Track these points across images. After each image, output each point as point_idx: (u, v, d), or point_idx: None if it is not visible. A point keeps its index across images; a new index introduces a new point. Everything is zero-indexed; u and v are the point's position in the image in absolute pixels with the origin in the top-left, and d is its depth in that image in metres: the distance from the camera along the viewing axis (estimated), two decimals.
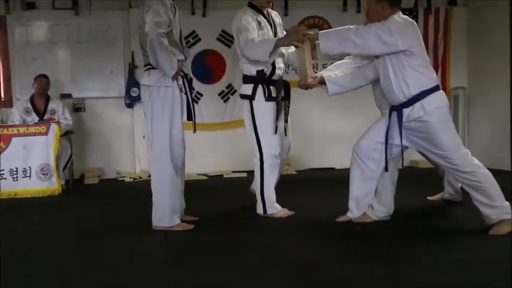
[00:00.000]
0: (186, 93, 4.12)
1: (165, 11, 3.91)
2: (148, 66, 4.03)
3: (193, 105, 4.20)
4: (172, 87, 4.00)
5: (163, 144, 4.00)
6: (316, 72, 4.34)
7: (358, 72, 4.13)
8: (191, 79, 4.26)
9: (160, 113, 3.98)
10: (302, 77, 4.15)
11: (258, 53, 4.24)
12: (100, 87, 7.47)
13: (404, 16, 3.83)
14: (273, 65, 4.39)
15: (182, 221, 4.15)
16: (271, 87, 4.41)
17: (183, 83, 4.10)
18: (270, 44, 4.21)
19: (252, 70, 4.39)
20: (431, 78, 3.77)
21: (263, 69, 4.37)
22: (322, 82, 4.13)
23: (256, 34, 4.28)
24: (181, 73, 4.08)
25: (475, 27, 7.62)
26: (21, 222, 4.69)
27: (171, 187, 4.03)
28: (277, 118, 4.42)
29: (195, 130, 4.25)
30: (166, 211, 4.02)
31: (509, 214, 3.63)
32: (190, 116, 4.19)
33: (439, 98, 3.74)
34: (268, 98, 4.39)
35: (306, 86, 4.16)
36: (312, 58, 4.20)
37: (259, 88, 4.38)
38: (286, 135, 4.58)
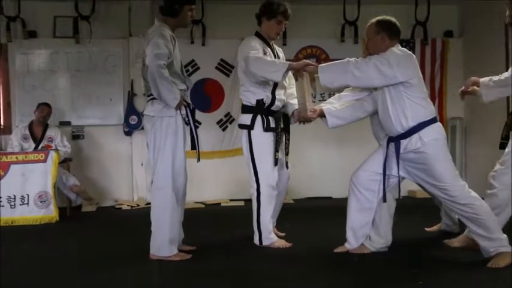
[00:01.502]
0: (189, 123, 4.15)
1: (165, 43, 3.94)
2: (151, 97, 4.06)
3: (197, 135, 4.22)
4: (176, 117, 4.03)
5: (166, 174, 4.01)
6: (314, 102, 4.39)
7: (357, 105, 4.17)
8: (194, 108, 4.30)
9: (163, 143, 4.01)
10: (301, 109, 4.20)
11: (269, 71, 4.20)
12: (99, 114, 7.49)
13: (403, 48, 3.89)
14: (273, 95, 4.43)
15: (179, 250, 4.15)
16: (270, 118, 4.43)
17: (186, 112, 4.13)
18: (283, 65, 4.18)
19: (251, 99, 4.41)
20: (429, 110, 3.81)
21: (262, 99, 4.39)
22: (321, 115, 4.17)
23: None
24: (184, 103, 4.11)
25: (472, 58, 7.69)
26: (18, 251, 4.66)
27: (171, 217, 4.03)
28: (276, 149, 4.44)
29: (199, 159, 4.27)
30: (165, 241, 4.02)
31: (507, 247, 3.64)
32: (194, 145, 4.23)
33: (437, 130, 3.78)
34: (267, 128, 4.40)
35: (305, 119, 4.20)
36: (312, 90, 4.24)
37: (258, 118, 4.39)
38: (287, 167, 4.61)
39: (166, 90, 3.91)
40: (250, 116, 4.42)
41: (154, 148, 4.04)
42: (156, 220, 4.04)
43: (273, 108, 4.45)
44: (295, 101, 4.48)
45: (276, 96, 4.45)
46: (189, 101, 4.26)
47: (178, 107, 4.01)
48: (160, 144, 4.01)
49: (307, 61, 4.21)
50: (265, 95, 4.40)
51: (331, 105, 4.20)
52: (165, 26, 4.05)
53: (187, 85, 4.25)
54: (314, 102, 4.77)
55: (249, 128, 4.41)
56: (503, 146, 4.06)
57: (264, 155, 4.39)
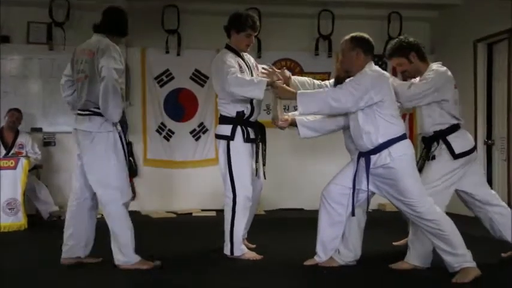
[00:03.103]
0: (121, 138, 4.15)
1: (121, 59, 4.02)
2: (87, 112, 4.07)
3: (128, 150, 4.25)
4: (113, 132, 4.06)
5: (112, 187, 4.04)
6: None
7: (330, 118, 4.22)
8: (127, 125, 4.34)
9: (105, 158, 4.02)
10: (274, 117, 4.27)
11: (249, 90, 4.22)
12: (71, 121, 7.27)
13: (375, 68, 3.94)
14: (252, 106, 4.46)
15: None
16: (249, 128, 4.46)
17: (122, 128, 4.15)
18: (262, 83, 4.22)
19: (231, 111, 4.42)
20: (400, 127, 3.87)
21: (243, 110, 4.41)
22: (293, 124, 4.22)
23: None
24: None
25: None
26: None
27: (130, 225, 4.09)
28: (256, 160, 4.48)
29: (133, 175, 4.26)
30: (129, 249, 4.06)
31: (471, 262, 3.72)
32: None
33: (406, 146, 3.85)
34: (247, 139, 4.43)
35: (278, 126, 4.26)
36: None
37: (238, 129, 4.40)
38: (265, 177, 4.66)
39: (116, 105, 3.94)
40: (229, 126, 4.42)
41: (94, 164, 4.05)
42: (118, 231, 4.05)
43: (251, 119, 4.49)
44: None
45: (255, 107, 4.48)
46: (125, 118, 4.27)
47: (116, 123, 4.05)
48: (102, 159, 4.03)
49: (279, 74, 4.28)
50: (245, 106, 4.42)
51: (304, 116, 4.23)
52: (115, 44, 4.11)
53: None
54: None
55: (229, 138, 4.40)
56: None
57: (243, 166, 4.41)
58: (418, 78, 4.16)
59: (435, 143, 4.15)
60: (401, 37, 4.34)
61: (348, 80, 4.00)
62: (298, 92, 4.02)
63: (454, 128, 4.12)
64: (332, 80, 4.78)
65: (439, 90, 4.02)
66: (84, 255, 4.23)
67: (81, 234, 4.18)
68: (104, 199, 4.08)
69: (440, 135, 4.11)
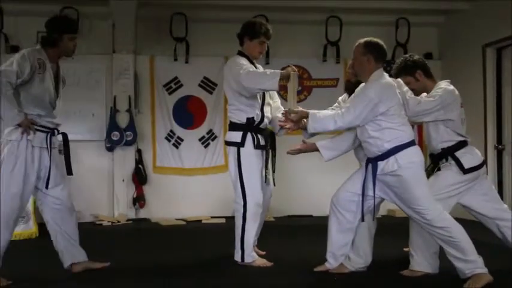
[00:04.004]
0: (49, 149, 4.04)
1: (21, 62, 3.82)
2: None
3: (69, 159, 4.20)
4: (19, 141, 3.89)
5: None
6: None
7: (344, 140, 4.23)
8: (65, 134, 4.25)
9: (4, 168, 3.89)
10: (288, 107, 4.17)
11: (263, 82, 4.21)
12: (81, 130, 7.46)
13: (383, 76, 3.90)
14: (262, 112, 4.47)
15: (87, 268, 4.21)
16: (259, 135, 4.47)
17: (46, 139, 4.02)
18: (276, 74, 4.19)
19: (241, 117, 4.43)
20: (407, 133, 3.85)
21: (253, 117, 4.42)
22: (305, 150, 4.26)
23: None
24: (42, 128, 3.99)
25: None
26: None
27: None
28: (266, 167, 4.49)
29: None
30: None
31: (482, 268, 3.70)
32: (70, 171, 4.27)
33: (414, 153, 3.83)
34: (257, 146, 4.44)
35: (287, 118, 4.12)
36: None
37: (249, 136, 4.41)
38: (274, 184, 4.67)
39: (4, 108, 3.79)
40: (239, 133, 4.42)
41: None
42: None
43: (261, 126, 4.49)
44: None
45: (265, 114, 4.50)
46: (54, 126, 4.15)
47: (24, 131, 3.87)
48: (3, 169, 3.89)
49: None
50: (255, 113, 4.43)
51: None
52: (41, 50, 3.99)
53: (47, 112, 4.07)
54: None
55: (239, 145, 4.41)
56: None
57: (253, 173, 4.41)
58: (424, 94, 4.15)
59: (443, 160, 4.14)
60: (406, 56, 4.33)
61: (355, 93, 4.02)
62: (310, 112, 3.95)
63: (461, 145, 4.11)
64: (341, 97, 4.76)
65: (445, 108, 4.02)
66: (84, 259, 4.22)
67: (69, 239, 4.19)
68: None
69: (448, 152, 4.10)
